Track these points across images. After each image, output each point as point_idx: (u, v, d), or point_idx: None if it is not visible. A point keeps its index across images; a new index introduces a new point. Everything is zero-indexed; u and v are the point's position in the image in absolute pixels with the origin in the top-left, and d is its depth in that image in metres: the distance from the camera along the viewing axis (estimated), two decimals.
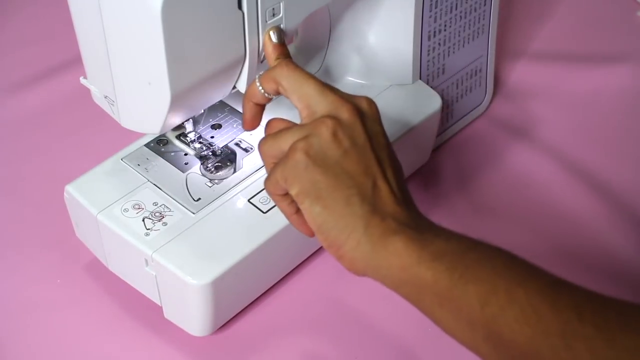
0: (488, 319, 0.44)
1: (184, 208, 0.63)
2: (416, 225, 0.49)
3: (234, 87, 0.62)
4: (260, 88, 0.56)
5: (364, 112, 0.52)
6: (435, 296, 0.46)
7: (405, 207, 0.50)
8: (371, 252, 0.48)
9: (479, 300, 0.44)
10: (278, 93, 0.55)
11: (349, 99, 0.52)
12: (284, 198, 0.54)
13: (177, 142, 0.68)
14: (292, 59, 0.58)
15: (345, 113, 0.51)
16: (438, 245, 0.47)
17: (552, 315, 0.43)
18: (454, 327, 0.46)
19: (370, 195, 0.49)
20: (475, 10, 0.79)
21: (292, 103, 0.54)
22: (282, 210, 0.55)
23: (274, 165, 0.52)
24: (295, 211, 0.54)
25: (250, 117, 0.58)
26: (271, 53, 0.58)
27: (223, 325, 0.65)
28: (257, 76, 0.56)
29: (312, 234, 0.53)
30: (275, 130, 0.54)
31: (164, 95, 0.55)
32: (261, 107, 0.58)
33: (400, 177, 0.52)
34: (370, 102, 0.53)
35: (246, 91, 0.57)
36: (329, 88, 0.53)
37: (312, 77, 0.53)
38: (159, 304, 0.63)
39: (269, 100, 0.57)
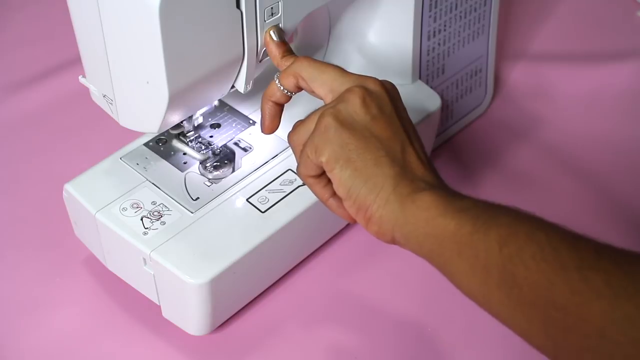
0: (505, 260, 0.44)
1: (182, 207, 0.63)
2: (444, 187, 0.50)
3: (233, 87, 0.62)
4: (280, 86, 0.56)
5: (386, 86, 0.54)
6: (456, 245, 0.46)
7: (434, 173, 0.51)
8: (399, 209, 0.49)
9: (498, 242, 0.44)
10: (298, 89, 0.56)
11: (372, 77, 0.54)
12: (318, 181, 0.54)
13: (176, 142, 0.68)
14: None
15: (371, 84, 0.52)
16: (465, 202, 0.48)
17: (569, 252, 0.43)
18: (469, 277, 0.46)
19: (400, 158, 0.50)
20: (475, 10, 0.79)
21: (315, 94, 0.55)
22: (318, 195, 0.55)
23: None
24: (331, 195, 0.54)
25: (269, 119, 0.59)
26: (275, 52, 0.58)
27: (221, 325, 0.65)
28: (275, 75, 0.57)
29: (350, 219, 0.53)
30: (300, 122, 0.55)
31: (162, 94, 0.55)
32: (280, 107, 0.58)
33: (425, 150, 0.53)
34: (392, 84, 0.55)
35: (265, 91, 0.58)
36: (349, 72, 0.54)
37: (331, 64, 0.54)
38: (157, 303, 0.63)
39: (289, 98, 0.57)
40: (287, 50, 0.58)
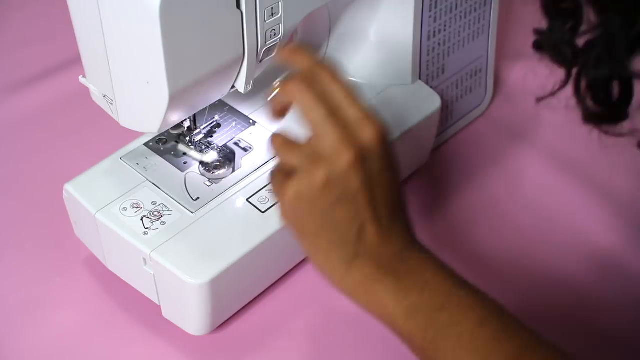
0: None
1: (182, 207, 0.63)
2: (396, 269, 0.51)
3: (233, 87, 0.62)
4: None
5: (367, 150, 0.49)
6: (413, 346, 0.51)
7: (391, 246, 0.51)
8: (354, 293, 0.52)
9: None
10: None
11: (351, 142, 0.49)
12: None
13: (176, 142, 0.68)
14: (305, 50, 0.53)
15: (343, 161, 0.49)
16: (412, 299, 0.50)
17: None
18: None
19: (353, 241, 0.50)
20: (475, 10, 0.79)
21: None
22: None
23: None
24: None
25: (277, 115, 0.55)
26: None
27: (221, 325, 0.65)
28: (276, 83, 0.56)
29: None
30: (278, 147, 0.53)
31: (162, 94, 0.56)
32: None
33: (396, 211, 0.52)
34: (378, 134, 0.50)
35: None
36: (335, 119, 0.49)
37: (321, 101, 0.50)
38: (157, 303, 0.63)
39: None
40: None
